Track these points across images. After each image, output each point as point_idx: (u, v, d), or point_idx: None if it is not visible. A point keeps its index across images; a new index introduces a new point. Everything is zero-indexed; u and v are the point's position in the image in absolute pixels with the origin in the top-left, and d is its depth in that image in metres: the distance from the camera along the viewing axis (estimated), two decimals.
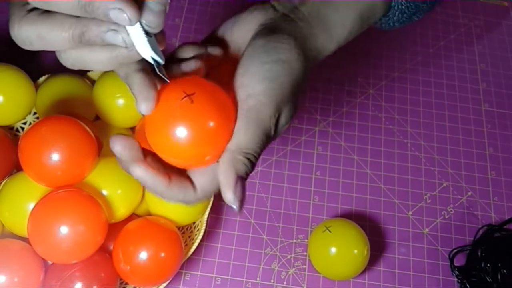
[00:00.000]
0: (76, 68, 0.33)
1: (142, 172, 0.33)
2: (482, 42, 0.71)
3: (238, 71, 0.36)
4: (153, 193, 0.34)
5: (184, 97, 0.32)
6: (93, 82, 0.56)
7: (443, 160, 0.62)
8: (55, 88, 0.54)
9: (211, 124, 0.33)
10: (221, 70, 0.40)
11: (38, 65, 0.61)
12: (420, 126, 0.64)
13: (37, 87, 0.54)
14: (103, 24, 0.30)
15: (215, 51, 0.38)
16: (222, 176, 0.33)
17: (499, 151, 0.63)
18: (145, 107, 0.33)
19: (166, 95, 0.33)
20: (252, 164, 0.34)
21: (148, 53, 0.31)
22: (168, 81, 0.33)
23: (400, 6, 0.44)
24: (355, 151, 0.61)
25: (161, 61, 0.32)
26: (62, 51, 0.32)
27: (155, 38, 0.32)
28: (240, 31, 0.39)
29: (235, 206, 0.33)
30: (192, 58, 0.37)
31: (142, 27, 0.30)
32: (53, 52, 0.33)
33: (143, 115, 0.33)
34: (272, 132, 0.35)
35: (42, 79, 0.55)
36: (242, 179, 0.33)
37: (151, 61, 0.32)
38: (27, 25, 0.30)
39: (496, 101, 0.67)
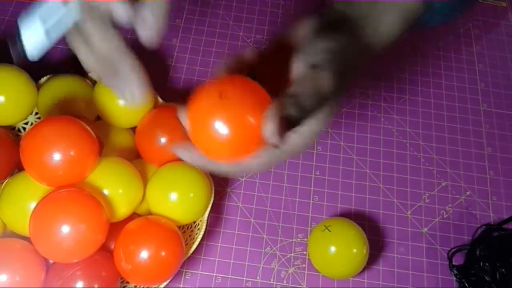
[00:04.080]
0: None
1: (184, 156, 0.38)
2: (481, 42, 0.71)
3: (297, 55, 0.38)
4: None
5: (219, 95, 0.34)
6: (94, 82, 0.56)
7: (441, 160, 0.62)
8: (56, 88, 0.54)
9: (236, 121, 0.34)
10: (264, 69, 0.42)
11: (39, 66, 0.61)
12: (419, 126, 0.64)
13: (38, 87, 0.54)
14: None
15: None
16: (269, 111, 0.34)
17: (497, 151, 0.63)
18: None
19: (202, 93, 0.35)
20: (299, 107, 0.34)
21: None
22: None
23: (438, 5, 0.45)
24: (354, 151, 0.62)
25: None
26: None
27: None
28: (296, 33, 0.42)
29: (274, 141, 0.34)
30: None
31: None
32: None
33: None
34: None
35: (43, 79, 0.56)
36: (285, 120, 0.34)
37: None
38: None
39: (494, 101, 0.67)
